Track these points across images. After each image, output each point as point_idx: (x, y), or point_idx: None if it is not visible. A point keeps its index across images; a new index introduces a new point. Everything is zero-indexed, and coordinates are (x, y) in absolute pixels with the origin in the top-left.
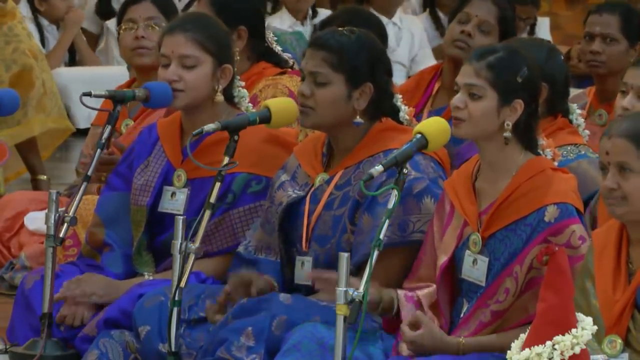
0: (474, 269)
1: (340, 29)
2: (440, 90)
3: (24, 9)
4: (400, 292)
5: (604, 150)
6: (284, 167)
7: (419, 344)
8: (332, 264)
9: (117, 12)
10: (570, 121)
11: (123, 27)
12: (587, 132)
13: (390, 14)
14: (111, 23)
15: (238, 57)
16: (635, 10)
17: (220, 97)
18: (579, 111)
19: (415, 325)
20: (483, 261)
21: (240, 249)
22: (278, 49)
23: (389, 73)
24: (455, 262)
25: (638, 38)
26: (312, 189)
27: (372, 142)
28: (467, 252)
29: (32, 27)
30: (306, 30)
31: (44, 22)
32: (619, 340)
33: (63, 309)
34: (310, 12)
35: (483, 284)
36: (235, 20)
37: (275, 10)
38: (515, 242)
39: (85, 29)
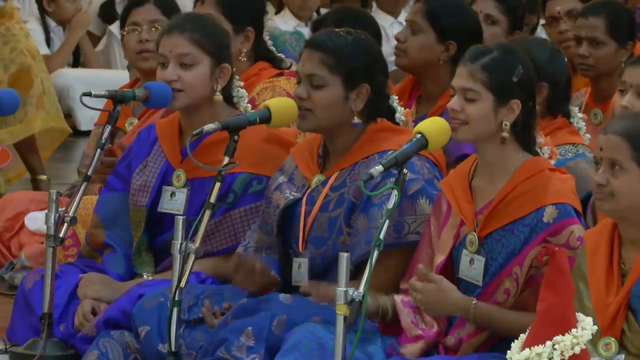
0: (471, 268)
1: (337, 30)
2: (423, 97)
3: (27, 10)
4: (397, 298)
5: (598, 146)
6: (282, 168)
7: (424, 300)
8: (329, 266)
9: (120, 15)
10: (571, 124)
11: (127, 30)
12: (588, 136)
13: (395, 14)
14: (114, 27)
15: (245, 58)
16: (623, 9)
17: (219, 97)
18: (580, 115)
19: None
20: (480, 261)
21: (240, 249)
22: (272, 48)
23: (385, 74)
24: (452, 262)
25: (628, 37)
26: (308, 190)
27: (368, 143)
28: (464, 251)
29: (38, 27)
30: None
31: (51, 23)
32: (614, 342)
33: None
34: (314, 13)
35: (480, 284)
36: (243, 22)
37: (279, 10)
38: (513, 242)
39: (88, 31)
